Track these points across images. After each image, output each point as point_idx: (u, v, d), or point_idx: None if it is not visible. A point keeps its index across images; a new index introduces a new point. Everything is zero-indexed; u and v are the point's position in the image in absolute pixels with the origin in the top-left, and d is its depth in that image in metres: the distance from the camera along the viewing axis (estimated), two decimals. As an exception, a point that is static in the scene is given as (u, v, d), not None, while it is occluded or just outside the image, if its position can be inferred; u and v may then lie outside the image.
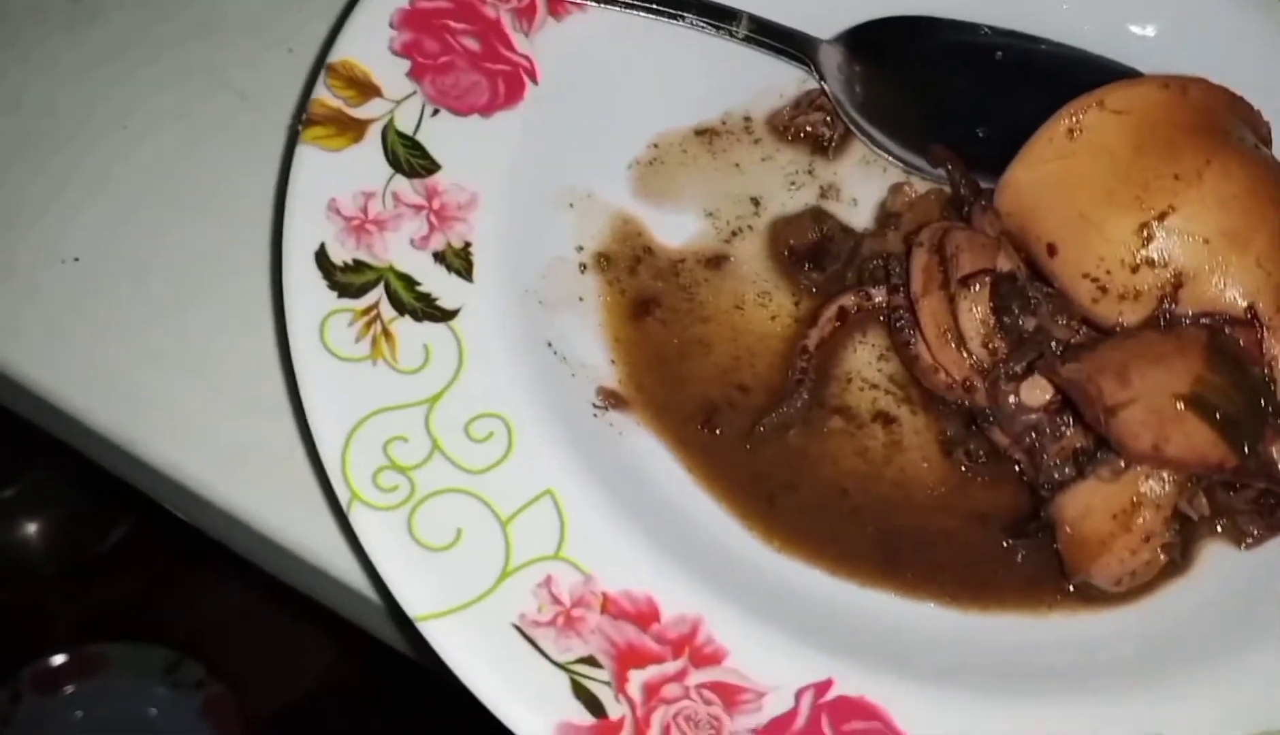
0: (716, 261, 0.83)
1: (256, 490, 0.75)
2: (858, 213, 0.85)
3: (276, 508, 0.74)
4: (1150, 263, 0.67)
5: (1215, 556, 0.73)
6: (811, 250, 0.82)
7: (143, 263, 0.82)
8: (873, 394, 0.78)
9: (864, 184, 0.86)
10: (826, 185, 0.86)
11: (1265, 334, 0.66)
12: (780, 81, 0.88)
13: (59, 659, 1.50)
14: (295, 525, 0.74)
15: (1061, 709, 0.64)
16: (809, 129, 0.87)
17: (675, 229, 0.83)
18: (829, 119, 0.86)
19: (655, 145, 0.86)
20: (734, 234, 0.84)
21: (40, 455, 1.47)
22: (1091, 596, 0.70)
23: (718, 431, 0.76)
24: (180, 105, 0.89)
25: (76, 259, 0.82)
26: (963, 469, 0.74)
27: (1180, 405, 0.63)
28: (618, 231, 0.83)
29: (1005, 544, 0.72)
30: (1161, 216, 0.67)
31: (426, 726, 1.42)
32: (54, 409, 0.78)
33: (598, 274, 0.80)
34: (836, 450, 0.76)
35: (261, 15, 0.93)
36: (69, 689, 1.49)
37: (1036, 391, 0.68)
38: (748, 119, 0.88)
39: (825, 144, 0.87)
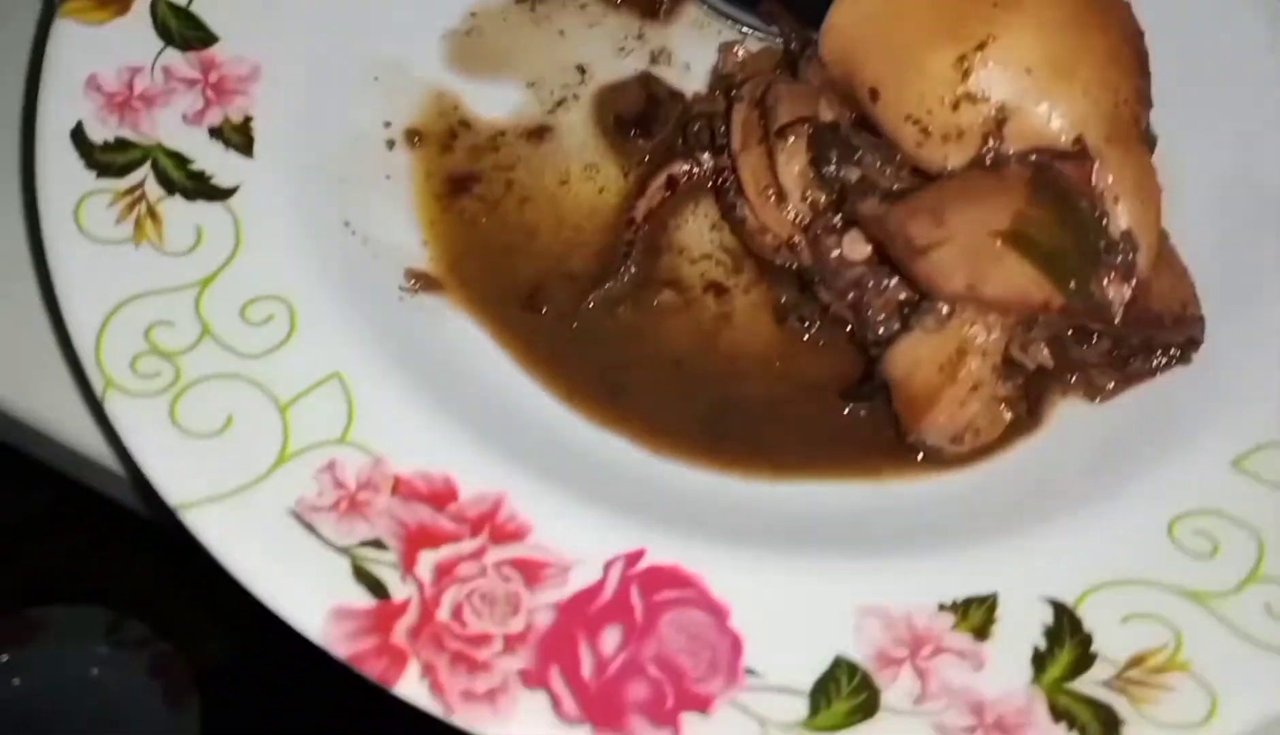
0: (539, 133, 0.77)
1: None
2: (691, 78, 0.79)
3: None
4: (971, 98, 0.61)
5: (1071, 413, 0.69)
6: (640, 116, 0.76)
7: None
8: (704, 265, 0.73)
9: (698, 47, 0.80)
10: (658, 50, 0.80)
11: (1094, 166, 0.61)
12: (608, -60, 0.82)
13: (-13, 628, 1.42)
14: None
15: (887, 570, 0.60)
16: (637, -10, 0.81)
17: (494, 101, 0.77)
18: (658, -22, 0.81)
19: (472, 14, 0.80)
20: (558, 104, 0.78)
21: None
22: (937, 459, 0.66)
23: (542, 311, 0.71)
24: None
25: None
26: (797, 335, 0.70)
27: (999, 242, 0.58)
28: (430, 105, 0.76)
29: (845, 411, 0.68)
30: (980, 46, 0.61)
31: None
32: None
33: (408, 151, 0.75)
34: (668, 325, 0.71)
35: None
36: (3, 657, 1.42)
37: (859, 244, 0.63)
38: (573, -17, 0.82)
39: (656, 6, 0.81)
